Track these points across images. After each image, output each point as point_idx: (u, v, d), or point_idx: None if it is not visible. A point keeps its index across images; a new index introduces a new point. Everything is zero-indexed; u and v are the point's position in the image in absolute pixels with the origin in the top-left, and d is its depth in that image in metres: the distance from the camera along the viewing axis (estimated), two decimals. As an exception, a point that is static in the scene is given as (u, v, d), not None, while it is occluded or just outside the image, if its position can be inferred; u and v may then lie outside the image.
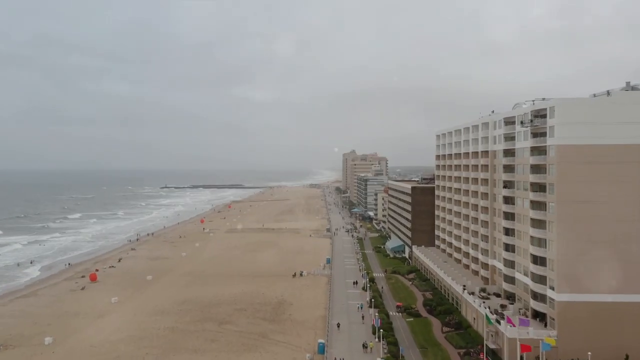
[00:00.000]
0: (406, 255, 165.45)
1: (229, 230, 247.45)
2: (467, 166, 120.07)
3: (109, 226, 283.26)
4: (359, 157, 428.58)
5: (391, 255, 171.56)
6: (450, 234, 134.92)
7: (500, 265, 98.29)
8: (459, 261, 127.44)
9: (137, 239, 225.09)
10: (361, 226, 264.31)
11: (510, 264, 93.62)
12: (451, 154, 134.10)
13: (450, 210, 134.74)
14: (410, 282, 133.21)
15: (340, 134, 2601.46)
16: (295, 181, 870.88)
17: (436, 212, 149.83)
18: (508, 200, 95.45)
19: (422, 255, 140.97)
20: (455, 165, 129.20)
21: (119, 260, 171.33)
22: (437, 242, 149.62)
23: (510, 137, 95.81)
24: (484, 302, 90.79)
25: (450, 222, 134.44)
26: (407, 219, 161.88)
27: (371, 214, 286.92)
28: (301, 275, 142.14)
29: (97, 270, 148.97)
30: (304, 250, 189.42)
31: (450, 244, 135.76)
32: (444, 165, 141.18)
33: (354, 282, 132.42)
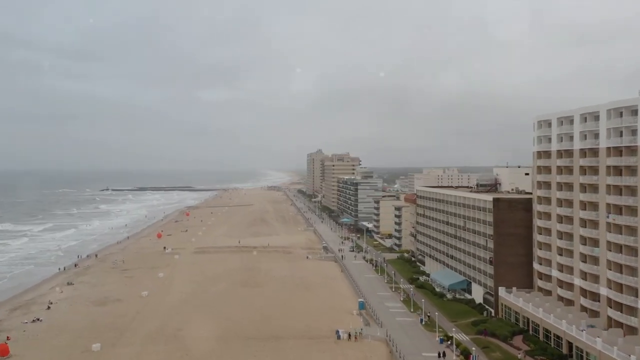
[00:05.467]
0: (474, 297, 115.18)
1: (197, 249, 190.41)
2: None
3: (35, 244, 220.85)
4: (336, 156, 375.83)
5: (449, 296, 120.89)
6: (593, 279, 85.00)
7: None
8: (617, 325, 77.96)
9: (76, 265, 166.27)
10: (358, 238, 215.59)
11: None
12: (595, 149, 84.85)
13: (591, 240, 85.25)
14: (522, 354, 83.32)
15: (291, 134, 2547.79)
16: (245, 182, 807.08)
17: (538, 238, 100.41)
18: None
19: (536, 310, 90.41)
20: (611, 167, 79.67)
21: (49, 307, 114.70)
22: (540, 283, 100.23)
23: None
24: None
25: (594, 259, 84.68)
26: (478, 245, 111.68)
27: (367, 225, 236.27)
28: (344, 337, 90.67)
29: (8, 338, 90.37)
30: (311, 283, 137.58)
31: (592, 295, 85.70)
32: (566, 167, 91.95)
33: (439, 356, 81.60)
